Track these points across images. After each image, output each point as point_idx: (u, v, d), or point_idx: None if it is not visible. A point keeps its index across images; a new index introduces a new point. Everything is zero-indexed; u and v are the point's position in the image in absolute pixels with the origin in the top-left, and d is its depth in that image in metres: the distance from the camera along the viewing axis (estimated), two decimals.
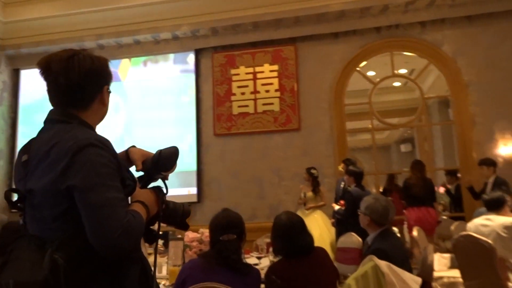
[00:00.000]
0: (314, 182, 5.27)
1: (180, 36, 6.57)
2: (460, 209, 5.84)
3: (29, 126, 6.82)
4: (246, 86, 6.44)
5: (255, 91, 6.41)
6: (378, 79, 6.46)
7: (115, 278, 1.09)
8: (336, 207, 4.63)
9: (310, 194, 5.23)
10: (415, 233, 4.02)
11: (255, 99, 6.39)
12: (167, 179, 1.30)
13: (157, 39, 6.64)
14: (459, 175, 6.03)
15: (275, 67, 6.41)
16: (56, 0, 6.46)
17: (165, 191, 1.27)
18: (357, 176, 4.49)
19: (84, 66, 1.23)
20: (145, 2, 6.35)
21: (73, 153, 1.10)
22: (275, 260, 2.66)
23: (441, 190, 6.71)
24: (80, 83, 1.22)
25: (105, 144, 1.16)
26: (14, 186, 1.21)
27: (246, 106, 6.41)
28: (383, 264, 1.91)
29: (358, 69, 6.37)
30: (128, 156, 1.33)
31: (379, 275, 1.87)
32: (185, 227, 1.35)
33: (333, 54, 6.35)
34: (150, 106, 6.57)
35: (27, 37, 6.63)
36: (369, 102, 6.37)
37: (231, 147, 6.43)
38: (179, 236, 2.75)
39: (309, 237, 2.13)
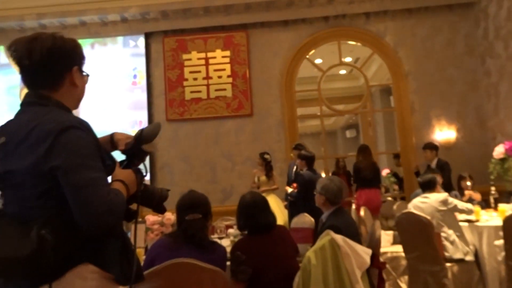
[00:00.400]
0: (267, 167, 5.42)
1: (129, 18, 6.42)
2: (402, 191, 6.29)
3: None
4: (199, 71, 6.44)
5: (208, 77, 6.43)
6: (325, 67, 6.70)
7: (98, 251, 1.15)
8: (289, 189, 4.81)
9: (263, 178, 5.38)
10: (362, 212, 4.30)
11: (207, 85, 6.42)
12: (148, 154, 1.35)
13: (104, 21, 6.43)
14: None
15: (227, 53, 6.45)
16: None
17: (144, 173, 1.32)
18: (309, 160, 4.69)
19: (45, 45, 1.24)
20: None
21: (55, 135, 1.13)
22: (235, 240, 2.80)
23: (384, 173, 7.15)
24: (43, 63, 1.23)
25: (85, 126, 1.20)
26: None
27: (199, 91, 6.42)
28: (338, 238, 2.08)
29: (307, 57, 6.56)
30: (112, 140, 1.37)
31: (335, 248, 2.03)
32: (161, 211, 1.41)
33: (283, 42, 6.50)
34: (100, 91, 6.37)
35: None
36: (318, 89, 6.61)
37: (183, 132, 6.43)
38: (140, 219, 2.77)
39: (271, 215, 2.27)
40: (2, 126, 1.27)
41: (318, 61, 7.06)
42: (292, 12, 6.38)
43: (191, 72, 6.45)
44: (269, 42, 6.48)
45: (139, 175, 1.30)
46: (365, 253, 2.16)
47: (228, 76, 6.43)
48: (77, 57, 1.32)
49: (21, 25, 6.30)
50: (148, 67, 6.51)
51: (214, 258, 1.94)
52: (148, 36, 6.53)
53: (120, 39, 6.53)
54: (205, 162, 6.36)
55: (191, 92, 6.42)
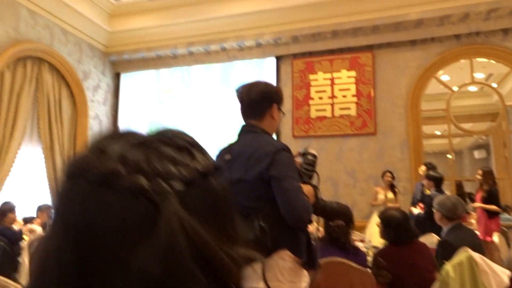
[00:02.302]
0: (393, 185, 5.48)
1: (263, 43, 6.99)
2: None
3: (127, 125, 7.57)
4: (324, 91, 6.73)
5: (333, 96, 6.69)
6: (454, 84, 6.48)
7: (293, 241, 1.52)
8: (415, 211, 4.81)
9: (391, 195, 5.44)
10: (496, 238, 4.13)
11: (332, 104, 6.67)
12: (314, 168, 1.77)
13: (241, 46, 7.11)
14: None
15: (353, 73, 6.64)
16: (153, 13, 7.15)
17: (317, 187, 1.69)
18: (437, 181, 4.66)
19: (260, 88, 1.75)
20: (232, 13, 6.86)
21: (273, 154, 1.57)
22: (369, 249, 3.01)
23: None
24: (256, 100, 1.72)
25: (289, 149, 1.65)
26: None
27: (324, 110, 6.70)
28: (476, 255, 2.17)
29: (435, 76, 6.43)
30: None
31: (473, 264, 2.12)
32: (332, 219, 1.75)
33: (410, 61, 6.47)
34: (232, 109, 7.06)
35: (128, 44, 7.39)
36: (446, 109, 6.43)
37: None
38: None
39: (411, 230, 2.44)
40: (226, 147, 1.75)
41: (445, 77, 6.85)
42: (421, 31, 6.33)
43: (317, 91, 6.78)
44: (395, 62, 6.51)
45: (316, 190, 1.65)
46: (504, 273, 2.21)
47: (353, 96, 6.60)
48: (277, 98, 1.79)
49: (173, 52, 7.32)
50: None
51: (357, 261, 2.20)
52: (278, 59, 7.04)
53: (254, 61, 7.16)
54: (328, 178, 6.55)
55: (317, 110, 6.73)
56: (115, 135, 0.48)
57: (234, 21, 6.87)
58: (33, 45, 6.10)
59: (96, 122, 7.32)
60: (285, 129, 6.89)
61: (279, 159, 1.53)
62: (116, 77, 7.87)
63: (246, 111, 1.75)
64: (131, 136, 0.47)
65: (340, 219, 2.33)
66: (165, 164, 0.43)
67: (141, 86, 7.69)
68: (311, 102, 6.79)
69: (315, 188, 1.69)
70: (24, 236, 4.57)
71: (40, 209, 5.37)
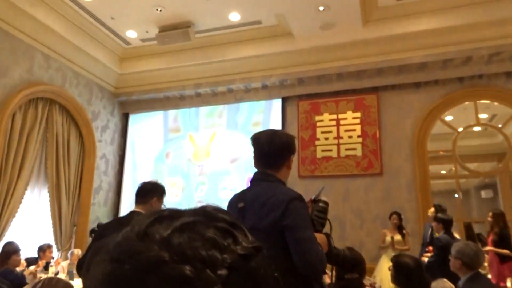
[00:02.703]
0: (401, 226, 5.41)
1: (269, 85, 7.13)
2: None
3: (133, 164, 7.66)
4: (330, 131, 6.80)
5: (338, 137, 6.74)
6: (459, 125, 6.52)
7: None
8: (427, 259, 4.69)
9: (398, 237, 5.36)
10: (509, 284, 4.03)
11: (338, 144, 6.71)
12: (326, 216, 1.76)
13: (248, 88, 7.24)
14: None
15: (358, 114, 6.72)
16: (162, 57, 7.33)
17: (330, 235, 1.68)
18: (446, 224, 4.59)
19: (282, 139, 1.78)
20: (239, 56, 7.03)
21: (286, 203, 1.58)
22: None
23: None
24: (277, 151, 1.75)
25: (303, 198, 1.67)
26: None
27: (330, 150, 6.73)
28: None
29: (441, 118, 6.48)
30: None
31: None
32: (342, 268, 1.72)
33: (415, 102, 6.55)
34: (240, 147, 7.11)
35: (137, 86, 7.56)
36: (453, 149, 6.43)
37: (314, 189, 6.54)
38: None
39: (425, 278, 2.40)
40: (239, 195, 1.76)
41: (449, 117, 6.90)
42: (425, 74, 6.44)
43: (322, 132, 6.84)
44: (400, 103, 6.60)
45: (329, 238, 1.64)
46: None
47: (358, 136, 6.65)
48: (294, 148, 1.83)
49: (181, 93, 7.46)
50: (284, 127, 7.05)
51: None
52: (284, 100, 7.15)
53: (260, 103, 7.28)
54: (334, 218, 6.46)
55: (322, 150, 6.76)
56: (159, 216, 0.48)
57: (241, 63, 7.04)
58: (45, 87, 6.23)
59: (103, 161, 7.37)
60: (291, 170, 6.87)
61: (293, 209, 1.53)
62: (124, 118, 7.99)
63: (264, 160, 1.77)
64: (174, 217, 0.47)
65: (354, 269, 2.29)
66: (209, 250, 0.44)
67: (148, 126, 7.80)
68: (317, 142, 6.83)
69: (328, 236, 1.68)
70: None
71: (42, 249, 5.29)
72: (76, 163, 6.83)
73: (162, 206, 2.85)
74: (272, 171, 1.75)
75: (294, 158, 6.80)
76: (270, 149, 1.74)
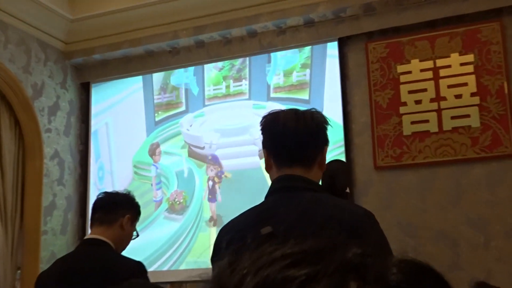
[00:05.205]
0: None
1: (316, 20, 6.72)
2: None
3: (102, 166, 7.44)
4: (424, 90, 6.36)
5: (438, 98, 6.30)
6: None
7: None
8: None
9: None
10: None
11: (438, 110, 6.28)
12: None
13: (281, 28, 6.86)
14: None
15: (469, 57, 6.25)
16: None
17: None
18: None
19: (317, 119, 1.95)
20: None
21: (361, 225, 1.77)
22: None
23: None
24: (312, 141, 1.92)
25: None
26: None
27: (425, 121, 6.31)
28: None
29: None
30: None
31: None
32: None
33: None
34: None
35: (100, 37, 7.28)
36: None
37: (402, 187, 6.28)
38: None
39: None
40: (259, 213, 1.83)
41: None
42: None
43: (411, 92, 6.40)
44: None
45: None
46: None
47: (473, 95, 6.20)
48: (327, 136, 2.02)
49: (174, 43, 7.18)
50: (344, 89, 6.62)
51: None
52: (343, 43, 6.75)
53: (304, 51, 6.92)
54: (439, 233, 6.10)
55: (413, 123, 6.34)
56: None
57: None
58: None
59: (55, 163, 7.14)
60: (361, 156, 6.51)
61: (378, 235, 1.71)
62: (84, 90, 7.76)
63: (292, 153, 1.90)
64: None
65: None
66: None
67: (123, 102, 7.61)
68: (402, 110, 6.37)
69: None
70: None
71: None
72: (12, 169, 6.65)
73: (134, 235, 3.13)
74: (303, 170, 1.89)
75: (364, 138, 6.51)
76: (302, 137, 1.90)
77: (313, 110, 1.99)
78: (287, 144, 1.87)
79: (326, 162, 2.08)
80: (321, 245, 0.59)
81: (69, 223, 7.24)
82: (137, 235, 3.22)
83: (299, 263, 0.53)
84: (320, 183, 2.08)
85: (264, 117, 1.99)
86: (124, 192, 3.11)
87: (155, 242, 6.80)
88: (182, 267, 6.76)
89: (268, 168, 2.00)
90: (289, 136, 1.85)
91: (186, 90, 7.35)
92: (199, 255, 6.68)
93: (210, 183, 6.95)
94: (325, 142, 1.96)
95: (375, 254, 0.83)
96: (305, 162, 1.87)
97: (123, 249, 3.17)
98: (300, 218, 1.70)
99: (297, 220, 1.67)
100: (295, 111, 1.95)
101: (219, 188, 6.85)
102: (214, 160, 6.99)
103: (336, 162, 2.36)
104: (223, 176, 6.86)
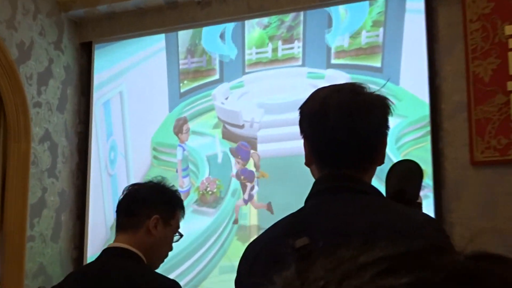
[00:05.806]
0: None
1: None
2: None
3: (106, 151, 7.06)
4: None
5: None
6: None
7: None
8: None
9: None
10: None
11: None
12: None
13: None
14: None
15: None
16: None
17: None
18: None
19: (382, 106, 1.91)
20: None
21: (436, 241, 1.72)
22: None
23: None
24: (375, 136, 1.92)
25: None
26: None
27: None
28: None
29: None
30: None
31: None
32: None
33: None
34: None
35: None
36: None
37: (508, 189, 5.67)
38: None
39: None
40: (294, 222, 1.85)
41: None
42: None
43: None
44: None
45: None
46: None
47: None
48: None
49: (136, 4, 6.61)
50: (432, 56, 6.01)
51: None
52: None
53: (377, 3, 6.33)
54: None
55: None
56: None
57: None
58: None
59: (45, 147, 6.69)
60: (452, 148, 5.96)
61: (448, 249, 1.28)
62: (84, 53, 7.31)
63: (343, 156, 1.88)
64: None
65: None
66: None
67: (137, 68, 7.18)
68: (511, 85, 5.72)
69: None
70: None
71: None
72: None
73: (175, 238, 3.06)
74: (358, 171, 1.87)
75: (458, 123, 5.85)
76: (359, 138, 1.86)
77: (377, 94, 1.89)
78: (337, 147, 1.85)
79: (396, 161, 2.12)
80: (420, 246, 0.55)
81: (62, 227, 6.83)
82: (181, 236, 3.13)
83: (397, 270, 0.51)
84: (384, 190, 2.05)
85: (308, 101, 1.98)
86: (150, 183, 2.94)
87: (181, 241, 6.31)
88: (215, 273, 6.35)
89: (308, 163, 1.95)
90: (341, 136, 1.82)
91: (220, 55, 6.93)
92: (237, 259, 6.12)
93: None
94: (386, 134, 1.92)
95: (489, 258, 0.71)
96: (362, 163, 1.87)
97: (161, 259, 3.04)
98: (345, 225, 1.70)
99: (341, 229, 1.69)
100: (354, 97, 1.85)
101: (251, 188, 6.45)
102: (238, 151, 6.53)
103: (407, 162, 2.22)
104: (255, 177, 6.43)
